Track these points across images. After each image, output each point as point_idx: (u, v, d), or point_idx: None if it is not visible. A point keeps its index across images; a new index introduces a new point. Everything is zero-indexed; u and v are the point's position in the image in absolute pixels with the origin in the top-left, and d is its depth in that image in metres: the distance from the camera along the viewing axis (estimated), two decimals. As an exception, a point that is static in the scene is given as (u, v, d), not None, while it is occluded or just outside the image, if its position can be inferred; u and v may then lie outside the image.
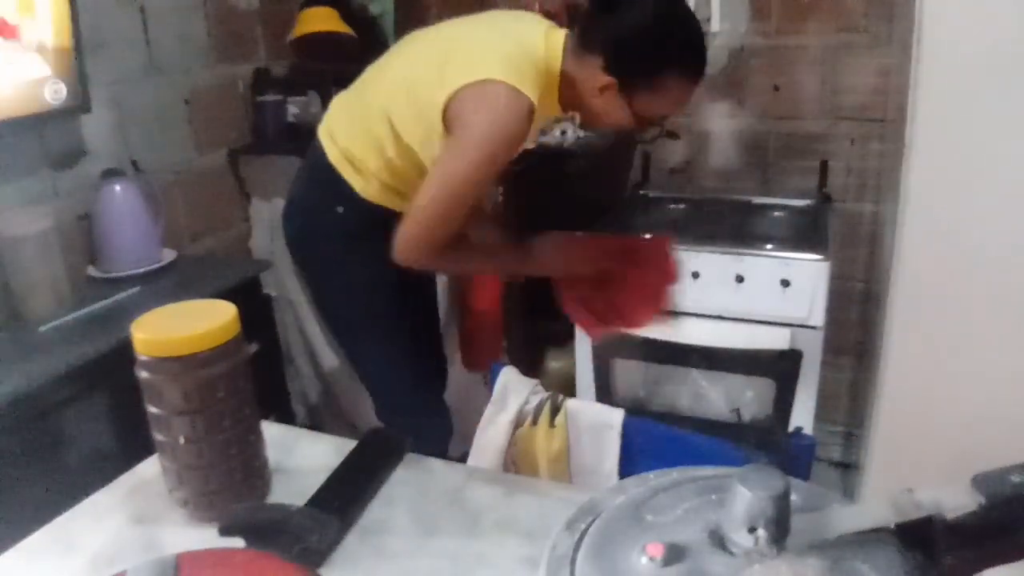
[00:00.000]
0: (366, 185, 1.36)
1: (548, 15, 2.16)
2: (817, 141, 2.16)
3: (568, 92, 1.28)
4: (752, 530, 0.42)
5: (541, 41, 1.25)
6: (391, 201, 1.37)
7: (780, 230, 1.97)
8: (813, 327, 1.74)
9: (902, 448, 1.60)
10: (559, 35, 1.27)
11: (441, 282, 2.03)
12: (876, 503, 0.45)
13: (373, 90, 1.35)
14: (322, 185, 1.39)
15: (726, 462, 0.54)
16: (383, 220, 1.31)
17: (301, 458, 0.86)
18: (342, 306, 1.50)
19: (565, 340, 2.11)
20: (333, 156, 1.36)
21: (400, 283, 1.43)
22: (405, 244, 1.24)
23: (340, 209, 1.38)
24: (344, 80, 2.45)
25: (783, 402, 1.82)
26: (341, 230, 1.40)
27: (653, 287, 1.37)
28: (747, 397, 1.91)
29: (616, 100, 1.24)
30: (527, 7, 2.21)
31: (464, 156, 1.19)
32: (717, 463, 0.54)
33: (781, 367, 1.79)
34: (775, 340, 1.75)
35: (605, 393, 1.98)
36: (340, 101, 1.42)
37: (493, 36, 1.27)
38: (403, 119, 1.28)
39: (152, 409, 0.72)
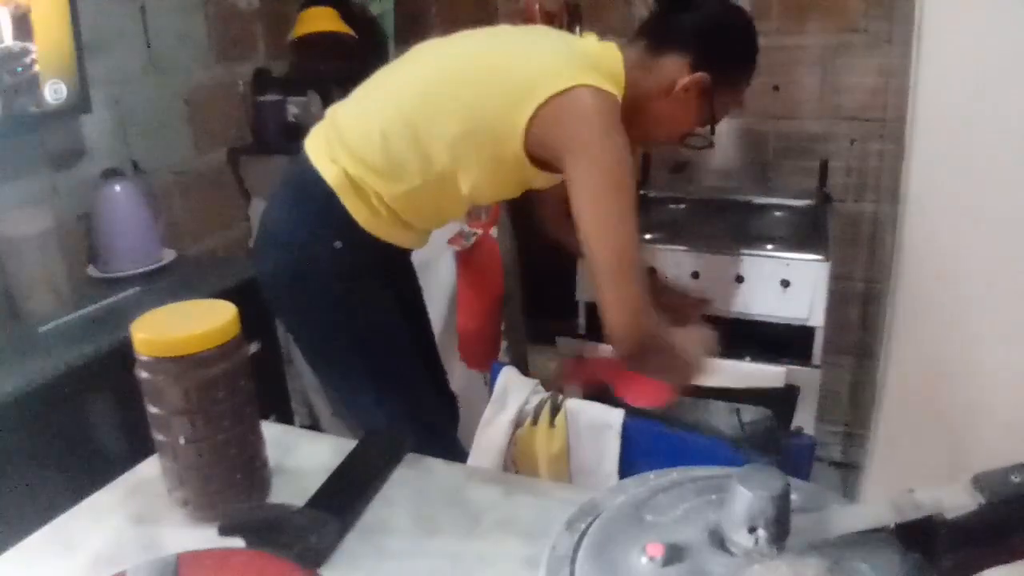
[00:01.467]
0: (371, 216, 1.19)
1: (548, 16, 2.18)
2: (817, 141, 2.16)
3: (629, 105, 1.17)
4: (752, 530, 0.42)
5: (600, 51, 1.18)
6: (396, 236, 1.23)
7: (780, 230, 1.97)
8: (813, 327, 1.74)
9: (902, 448, 1.60)
10: (614, 46, 1.20)
11: (441, 285, 2.03)
12: (876, 503, 0.45)
13: (396, 107, 1.17)
14: (314, 214, 1.20)
15: (726, 462, 0.54)
16: (384, 256, 1.22)
17: (301, 458, 0.86)
18: (336, 356, 1.29)
19: (565, 340, 2.11)
20: (333, 179, 1.17)
21: (402, 324, 1.31)
22: (630, 321, 1.05)
23: (338, 244, 1.19)
24: (344, 81, 2.46)
25: (783, 403, 1.82)
26: (337, 269, 1.21)
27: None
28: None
29: (694, 101, 1.19)
30: (527, 7, 2.22)
31: (605, 176, 1.08)
32: (717, 463, 0.54)
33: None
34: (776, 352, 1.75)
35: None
36: (342, 117, 1.23)
37: (554, 45, 1.17)
38: (447, 143, 1.14)
39: (152, 409, 0.72)
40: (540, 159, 1.12)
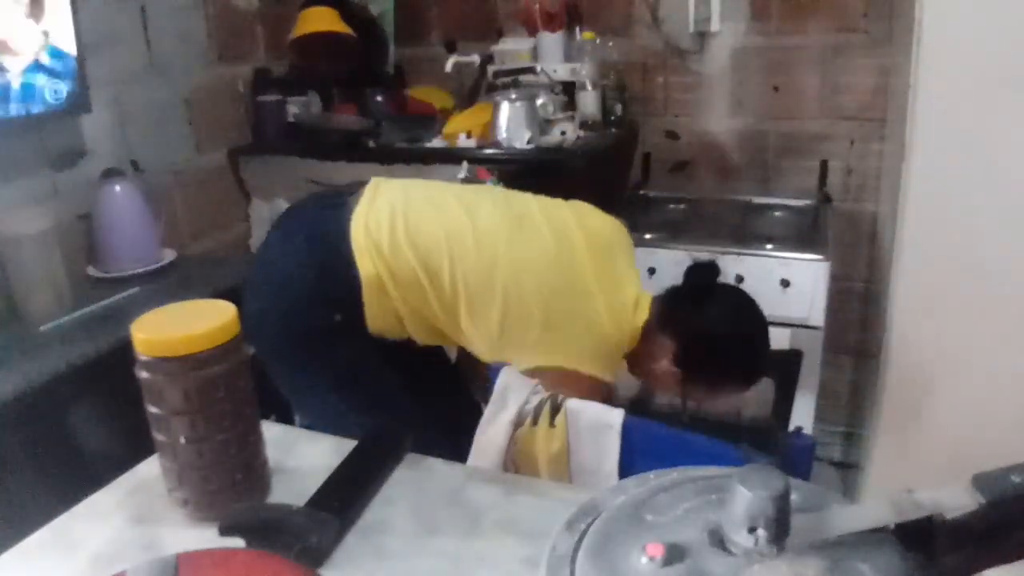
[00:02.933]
0: (381, 321, 1.21)
1: (548, 16, 2.18)
2: (817, 141, 2.16)
3: (634, 349, 1.28)
4: (752, 530, 0.42)
5: (631, 312, 1.24)
6: (392, 331, 1.24)
7: (780, 230, 1.97)
8: (813, 327, 1.74)
9: (902, 448, 1.60)
10: (646, 301, 1.27)
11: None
12: (876, 503, 0.45)
13: (453, 246, 1.19)
14: (328, 291, 1.21)
15: (726, 462, 0.54)
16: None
17: (301, 458, 0.86)
18: (318, 397, 1.31)
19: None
20: (366, 278, 1.17)
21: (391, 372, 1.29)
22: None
23: (337, 318, 1.21)
24: (344, 81, 2.46)
25: (783, 402, 1.82)
26: (327, 328, 1.21)
27: None
28: (747, 397, 1.91)
29: (673, 381, 1.28)
30: (527, 7, 2.22)
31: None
32: (717, 463, 0.54)
33: (781, 367, 1.79)
34: (775, 340, 1.75)
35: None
36: (403, 209, 1.22)
37: (597, 311, 1.20)
38: (475, 319, 1.18)
39: (152, 409, 0.72)
40: None
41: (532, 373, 1.18)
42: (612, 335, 1.21)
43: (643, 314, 1.25)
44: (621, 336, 1.23)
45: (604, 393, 1.21)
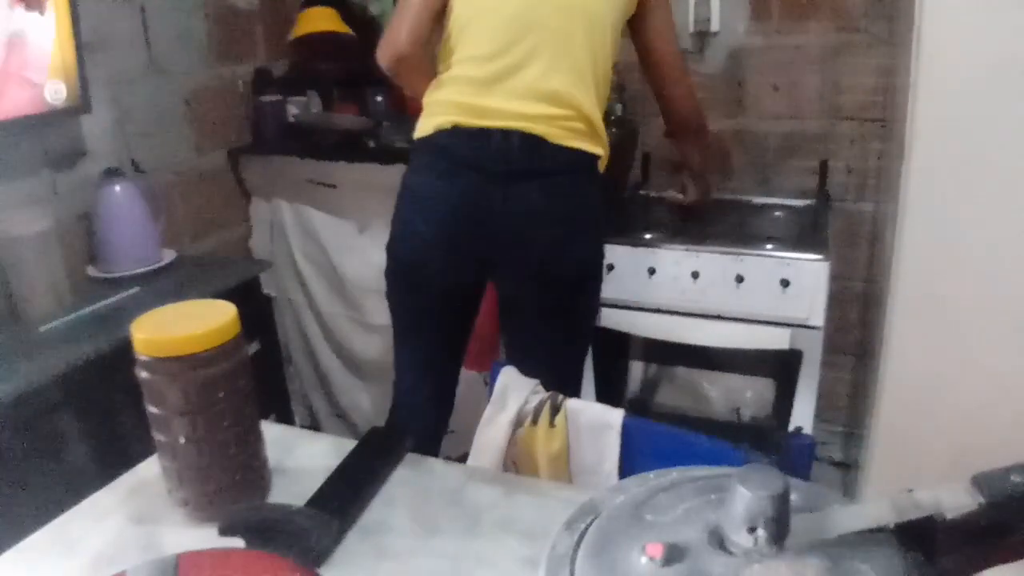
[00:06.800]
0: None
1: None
2: (817, 141, 2.16)
3: None
4: (752, 530, 0.42)
5: None
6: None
7: (780, 230, 1.97)
8: (813, 327, 1.74)
9: (902, 448, 1.60)
10: None
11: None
12: (876, 503, 0.45)
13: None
14: (599, 181, 1.50)
15: (726, 462, 0.54)
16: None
17: (301, 458, 0.86)
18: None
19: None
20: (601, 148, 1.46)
21: None
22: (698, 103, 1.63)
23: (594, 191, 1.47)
24: (343, 81, 2.45)
25: (783, 402, 1.82)
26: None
27: None
28: (747, 397, 1.91)
29: None
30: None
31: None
32: (717, 463, 0.54)
33: (781, 367, 1.79)
34: (775, 340, 1.75)
35: (605, 393, 1.98)
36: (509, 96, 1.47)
37: None
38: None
39: (152, 409, 0.72)
40: None
41: None
42: None
43: None
44: None
45: None
